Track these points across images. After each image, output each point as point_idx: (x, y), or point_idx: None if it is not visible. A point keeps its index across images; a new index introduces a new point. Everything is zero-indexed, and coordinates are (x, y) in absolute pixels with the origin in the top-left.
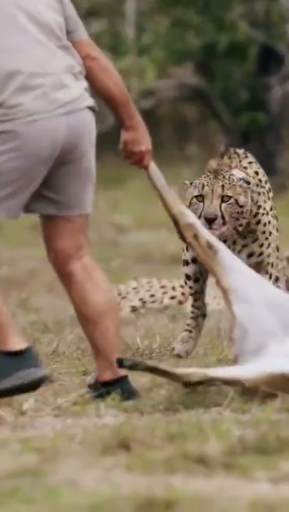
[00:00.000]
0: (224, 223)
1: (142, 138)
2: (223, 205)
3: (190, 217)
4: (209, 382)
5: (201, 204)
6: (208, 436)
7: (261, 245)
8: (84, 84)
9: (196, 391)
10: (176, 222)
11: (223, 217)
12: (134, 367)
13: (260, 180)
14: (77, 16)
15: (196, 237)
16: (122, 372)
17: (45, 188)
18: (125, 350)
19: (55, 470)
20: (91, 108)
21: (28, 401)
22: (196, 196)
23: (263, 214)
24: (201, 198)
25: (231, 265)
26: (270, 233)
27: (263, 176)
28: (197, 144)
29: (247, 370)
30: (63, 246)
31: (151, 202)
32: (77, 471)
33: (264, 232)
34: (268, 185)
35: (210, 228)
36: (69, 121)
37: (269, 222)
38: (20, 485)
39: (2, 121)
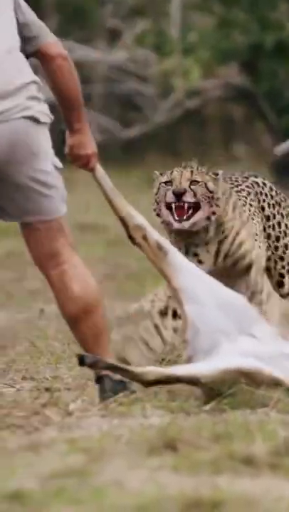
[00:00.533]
0: (196, 197)
1: (87, 141)
2: (193, 186)
3: (138, 219)
4: (167, 380)
5: (170, 187)
6: (255, 436)
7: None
8: (29, 93)
9: (243, 391)
10: (124, 224)
11: (194, 192)
12: (94, 365)
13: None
14: (38, 20)
15: (145, 238)
16: (105, 372)
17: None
18: (171, 351)
19: (101, 470)
20: (31, 118)
21: (74, 401)
22: (164, 182)
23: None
24: (169, 183)
25: (181, 266)
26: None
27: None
28: (244, 144)
29: (203, 367)
30: (35, 254)
31: None
32: (124, 471)
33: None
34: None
35: (178, 202)
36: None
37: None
38: (67, 485)
39: None
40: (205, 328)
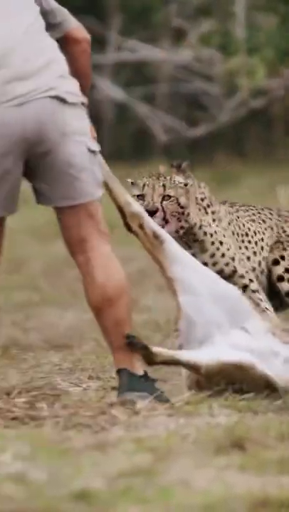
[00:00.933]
0: (165, 219)
1: None
2: (164, 202)
3: (136, 207)
4: (173, 363)
5: (142, 202)
6: None
7: (213, 255)
8: (54, 73)
9: None
10: (121, 211)
11: (164, 212)
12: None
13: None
14: (61, 7)
15: (141, 226)
16: (123, 364)
17: (33, 180)
18: None
19: (168, 470)
20: (56, 98)
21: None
22: (137, 196)
23: (205, 226)
24: (142, 197)
25: (177, 256)
26: (221, 243)
27: (201, 194)
28: None
29: (205, 356)
30: (65, 238)
31: (266, 200)
32: (190, 470)
33: (213, 243)
34: (205, 202)
35: None
36: (24, 113)
37: (215, 232)
38: (133, 484)
39: None
40: (199, 319)
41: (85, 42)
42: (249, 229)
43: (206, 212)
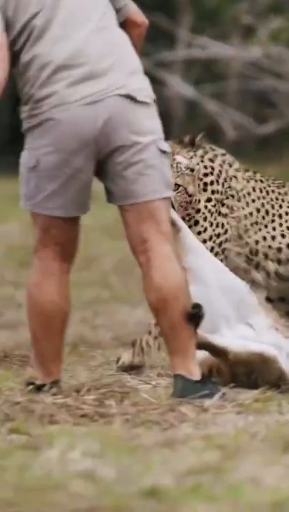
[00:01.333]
0: (173, 207)
1: None
2: (173, 193)
3: None
4: (204, 346)
5: None
6: None
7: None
8: (125, 70)
9: None
10: None
11: (172, 206)
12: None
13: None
14: None
15: None
16: (179, 369)
17: (104, 179)
18: None
19: (236, 467)
20: (126, 96)
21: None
22: None
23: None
24: None
25: (191, 245)
26: (196, 222)
27: (205, 169)
28: None
29: (235, 344)
30: (127, 238)
31: None
32: (259, 468)
33: (193, 220)
34: (208, 179)
35: None
36: (96, 112)
37: (199, 210)
38: (202, 482)
39: (32, 115)
40: (208, 311)
41: (143, 26)
42: (287, 213)
43: (205, 190)
